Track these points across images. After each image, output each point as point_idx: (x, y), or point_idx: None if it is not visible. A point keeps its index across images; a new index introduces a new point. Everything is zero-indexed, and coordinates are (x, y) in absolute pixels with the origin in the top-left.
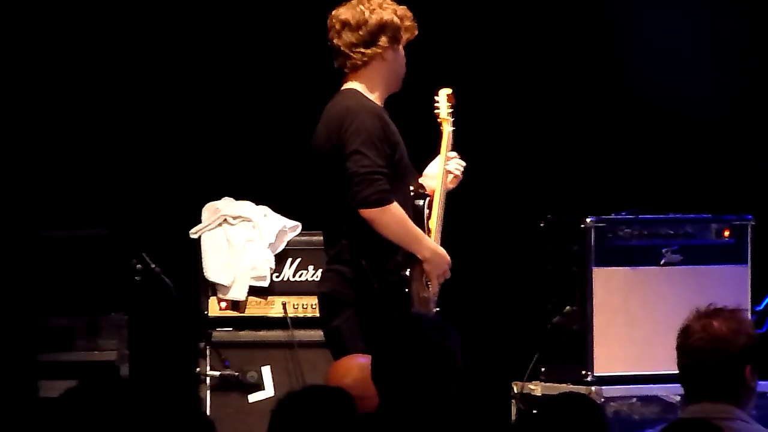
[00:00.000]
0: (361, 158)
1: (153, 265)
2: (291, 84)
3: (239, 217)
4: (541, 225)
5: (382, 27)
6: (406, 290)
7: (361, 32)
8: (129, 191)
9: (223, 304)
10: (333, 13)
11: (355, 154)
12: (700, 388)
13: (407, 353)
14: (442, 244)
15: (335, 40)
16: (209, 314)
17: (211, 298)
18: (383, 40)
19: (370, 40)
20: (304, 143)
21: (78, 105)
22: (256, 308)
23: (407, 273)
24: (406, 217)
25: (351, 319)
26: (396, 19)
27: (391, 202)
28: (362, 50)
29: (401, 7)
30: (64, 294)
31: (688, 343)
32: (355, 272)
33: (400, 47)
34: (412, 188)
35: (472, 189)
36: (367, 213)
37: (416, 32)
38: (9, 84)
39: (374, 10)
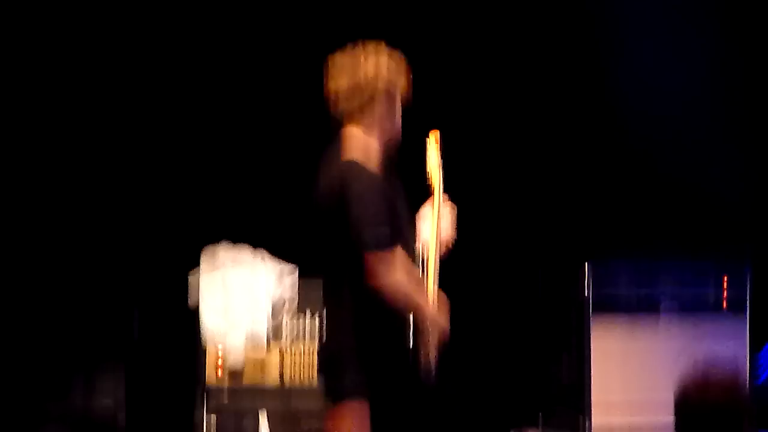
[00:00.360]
0: (367, 206)
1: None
2: (289, 129)
3: (238, 261)
4: (539, 271)
5: (377, 83)
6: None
7: (356, 79)
8: (127, 236)
9: (221, 372)
10: (330, 57)
11: (360, 201)
12: None
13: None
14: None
15: (330, 85)
16: (207, 383)
17: (209, 365)
18: (378, 94)
19: (367, 95)
20: (302, 186)
21: (74, 153)
22: (252, 376)
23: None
24: (410, 288)
25: (350, 367)
26: (394, 76)
27: (396, 246)
28: (357, 102)
29: (397, 58)
30: (64, 342)
31: (686, 410)
32: (356, 320)
33: (397, 100)
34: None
35: (468, 236)
36: (372, 256)
37: (408, 89)
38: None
39: (369, 57)
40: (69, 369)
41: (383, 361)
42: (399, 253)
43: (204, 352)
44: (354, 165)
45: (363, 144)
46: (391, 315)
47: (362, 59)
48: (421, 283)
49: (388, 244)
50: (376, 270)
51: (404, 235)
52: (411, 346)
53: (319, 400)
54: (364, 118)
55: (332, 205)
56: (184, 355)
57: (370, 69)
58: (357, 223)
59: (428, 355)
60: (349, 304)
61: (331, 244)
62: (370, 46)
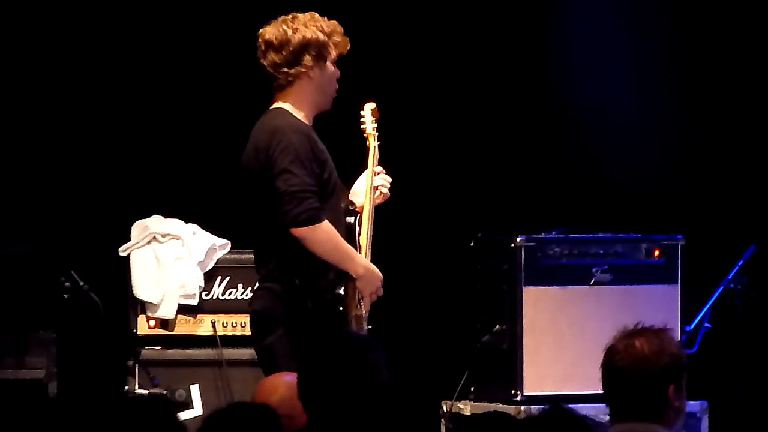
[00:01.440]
0: (291, 177)
1: (81, 283)
2: (221, 102)
3: (168, 234)
4: (471, 243)
5: (305, 45)
6: (341, 308)
7: (284, 52)
8: (57, 208)
9: (152, 323)
10: (259, 32)
11: (284, 173)
12: (625, 407)
13: (331, 369)
14: (372, 260)
15: (261, 60)
16: (138, 332)
17: (139, 316)
18: (307, 59)
19: (294, 60)
20: (234, 161)
21: (5, 120)
22: (185, 327)
23: (341, 291)
24: (338, 234)
25: (284, 338)
26: (321, 36)
27: (322, 220)
28: (286, 70)
29: (330, 22)
30: None
31: (612, 363)
32: (287, 290)
33: (328, 64)
34: (342, 205)
35: (401, 205)
36: (298, 231)
37: (347, 47)
38: None
39: (297, 28)
40: None
41: (313, 330)
42: (326, 226)
43: (136, 325)
44: (276, 131)
45: (288, 115)
46: (322, 287)
47: (289, 30)
48: (352, 251)
49: (316, 218)
50: (304, 243)
51: (337, 193)
52: (341, 310)
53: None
54: (292, 91)
55: (257, 175)
56: (115, 328)
57: (297, 39)
58: (282, 197)
59: (360, 315)
60: (280, 275)
61: (260, 215)
62: (300, 18)
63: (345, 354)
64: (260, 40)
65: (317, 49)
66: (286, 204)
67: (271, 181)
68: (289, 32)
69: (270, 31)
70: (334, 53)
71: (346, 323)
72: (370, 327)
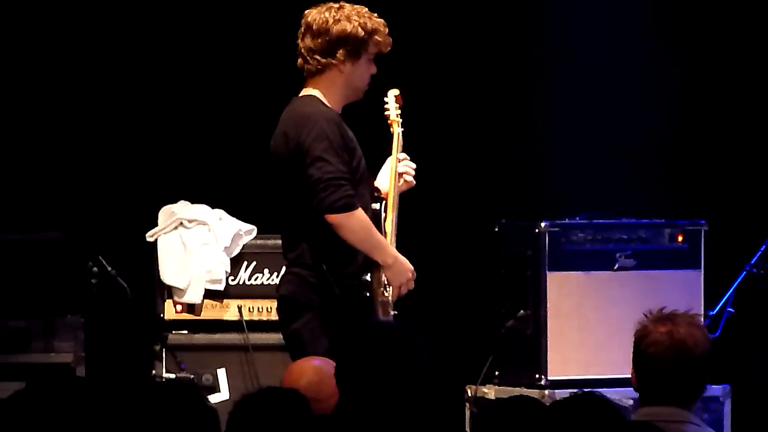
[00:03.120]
0: (325, 164)
1: (109, 268)
2: (250, 86)
3: (195, 220)
4: (496, 229)
5: (343, 39)
6: (367, 294)
7: (320, 40)
8: (85, 194)
9: (179, 307)
10: (305, 12)
11: (318, 161)
12: (658, 392)
13: (377, 363)
14: (396, 247)
15: (299, 41)
16: (165, 317)
17: (166, 301)
18: (341, 53)
19: (328, 50)
20: (261, 147)
21: (33, 107)
22: (211, 311)
23: (368, 278)
24: (371, 223)
25: (311, 323)
26: (360, 33)
27: (357, 208)
28: (318, 57)
29: (376, 20)
30: (21, 296)
31: (651, 349)
32: (315, 276)
33: (361, 61)
34: (368, 192)
35: (425, 192)
36: (334, 218)
37: (388, 47)
38: None
39: (339, 20)
40: (27, 322)
41: (343, 319)
42: (361, 214)
43: (163, 309)
44: (308, 119)
45: (319, 102)
46: (350, 274)
47: (330, 19)
48: (383, 241)
49: (352, 205)
50: (338, 230)
51: (364, 181)
52: (368, 296)
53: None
54: (323, 80)
55: (286, 162)
56: (142, 313)
57: (335, 30)
58: (317, 184)
59: (386, 301)
60: (308, 261)
61: (289, 201)
62: (347, 8)
63: (394, 351)
64: (303, 20)
65: (354, 44)
66: (321, 191)
67: (302, 168)
68: (331, 21)
69: (314, 15)
70: (372, 51)
71: (372, 309)
72: (395, 312)
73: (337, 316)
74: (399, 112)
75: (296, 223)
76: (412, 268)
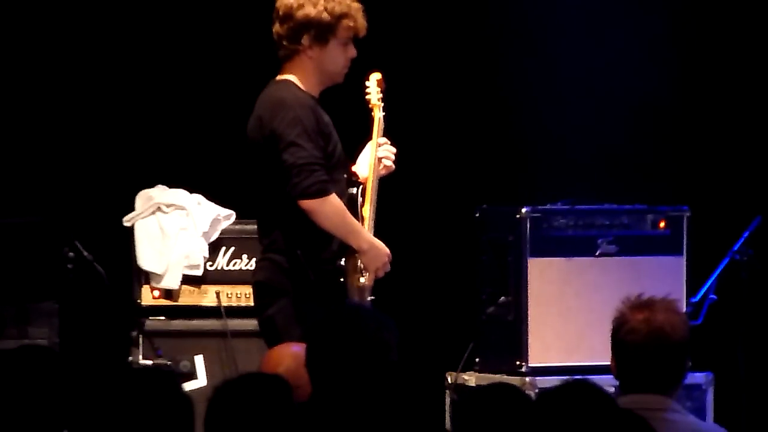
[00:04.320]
0: (298, 150)
1: (85, 253)
2: (227, 70)
3: (173, 205)
4: (476, 215)
5: (305, 24)
6: (341, 280)
7: (285, 26)
8: (62, 178)
9: (156, 293)
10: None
11: (291, 146)
12: (638, 380)
13: (343, 344)
14: (376, 232)
15: (273, 27)
16: (142, 303)
17: (144, 286)
18: (305, 38)
19: (293, 36)
20: (239, 131)
21: (9, 92)
22: (189, 297)
23: (342, 262)
24: (345, 208)
25: (286, 309)
26: (325, 17)
27: (331, 193)
28: (285, 44)
29: (347, 3)
30: None
31: (629, 337)
32: (289, 261)
33: (330, 46)
34: (345, 177)
35: (405, 177)
36: (307, 204)
37: (362, 30)
38: None
39: (302, 5)
40: (1, 308)
41: (317, 305)
42: (334, 199)
43: (140, 295)
44: (281, 104)
45: (294, 87)
46: (324, 259)
47: (294, 4)
48: (358, 226)
49: (325, 190)
50: (312, 216)
51: (340, 166)
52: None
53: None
54: (295, 65)
55: (260, 146)
56: (119, 298)
57: (299, 15)
58: (290, 170)
59: (362, 287)
60: (282, 246)
61: (263, 186)
62: None
63: (360, 330)
64: (276, 6)
65: (319, 29)
66: (294, 176)
67: (276, 153)
68: (295, 6)
69: (282, 0)
70: (342, 35)
71: (347, 295)
72: (372, 298)
73: (311, 301)
74: (381, 96)
75: (270, 208)
76: (388, 251)
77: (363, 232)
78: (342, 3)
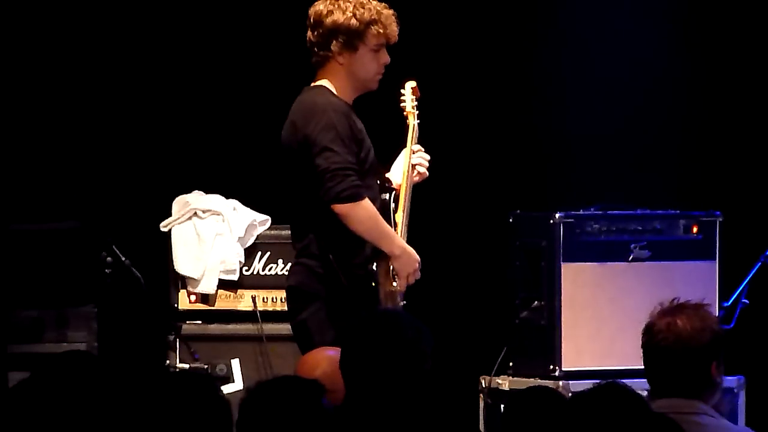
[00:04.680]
0: (332, 155)
1: (123, 258)
2: (263, 77)
3: (209, 210)
4: (510, 220)
5: (334, 30)
6: (373, 284)
7: (316, 32)
8: (99, 184)
9: (193, 297)
10: (311, 6)
11: (325, 150)
12: (667, 385)
13: (379, 349)
14: (409, 238)
15: (307, 34)
16: (179, 307)
17: (180, 291)
18: (335, 45)
19: (324, 42)
20: (275, 137)
21: (48, 98)
22: (225, 301)
23: (374, 267)
24: (378, 213)
25: (318, 313)
26: (354, 23)
27: (364, 198)
28: (317, 50)
29: (378, 9)
30: (34, 286)
31: (654, 342)
32: (322, 266)
33: (360, 52)
34: (378, 182)
35: (440, 183)
36: (340, 208)
37: (394, 36)
38: None
39: (332, 11)
40: (40, 312)
41: (350, 309)
42: (367, 204)
43: (177, 300)
44: (315, 109)
45: (328, 93)
46: (357, 264)
47: (324, 10)
48: (390, 231)
49: (358, 195)
50: (345, 220)
51: (373, 172)
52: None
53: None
54: (327, 71)
55: (294, 152)
56: (156, 303)
57: (328, 22)
58: (324, 174)
59: (394, 291)
60: (316, 251)
61: (297, 191)
62: None
63: (397, 336)
64: (309, 13)
65: (348, 35)
66: (328, 181)
67: (310, 158)
68: (324, 12)
69: (314, 7)
70: (372, 42)
71: (378, 299)
72: (404, 303)
73: (344, 306)
74: (415, 104)
75: (304, 213)
76: (418, 258)
77: (395, 237)
78: (371, 9)
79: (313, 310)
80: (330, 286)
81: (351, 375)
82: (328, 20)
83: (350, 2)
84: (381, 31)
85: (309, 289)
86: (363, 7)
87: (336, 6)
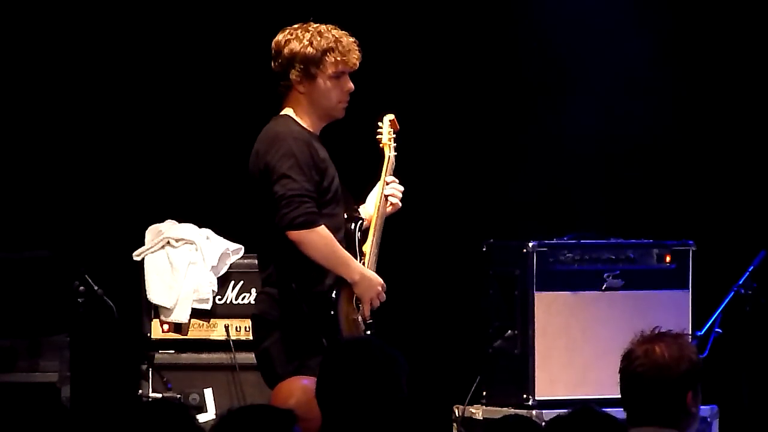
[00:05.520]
0: (290, 182)
1: (95, 287)
2: (235, 107)
3: (182, 239)
4: (483, 249)
5: (291, 59)
6: (332, 312)
7: (276, 63)
8: (72, 213)
9: (166, 327)
10: (275, 39)
11: (283, 178)
12: (643, 412)
13: (353, 376)
14: (379, 268)
15: (271, 64)
16: (152, 336)
17: (153, 320)
18: (294, 74)
19: (282, 72)
20: (246, 167)
21: (18, 125)
22: (198, 331)
23: (333, 295)
24: (334, 240)
25: (279, 341)
26: (310, 51)
27: (319, 225)
28: (281, 81)
29: (337, 37)
30: (6, 315)
31: (631, 368)
32: (283, 294)
33: (318, 81)
34: (345, 214)
35: (414, 211)
36: (294, 235)
37: (353, 63)
38: None
39: (289, 40)
40: (12, 341)
41: (310, 337)
42: (323, 231)
43: (150, 329)
44: (276, 138)
45: (291, 122)
46: (319, 292)
47: (282, 40)
48: (348, 257)
49: (312, 222)
50: (300, 247)
51: (337, 200)
52: (333, 314)
53: None
54: (291, 100)
55: (255, 180)
56: (128, 332)
57: (286, 51)
58: (280, 201)
59: (356, 319)
60: (277, 279)
61: (260, 220)
62: (306, 28)
63: (369, 363)
64: (272, 51)
65: (304, 64)
66: (283, 207)
67: (270, 186)
68: (282, 42)
69: (276, 37)
70: (329, 70)
71: (338, 327)
72: (369, 333)
73: (304, 334)
74: (392, 136)
75: (266, 241)
76: (380, 281)
77: (353, 263)
78: (329, 37)
79: (274, 339)
80: (291, 314)
81: (326, 403)
82: (286, 50)
83: (309, 31)
84: (338, 58)
85: (271, 317)
86: (321, 36)
87: (294, 35)
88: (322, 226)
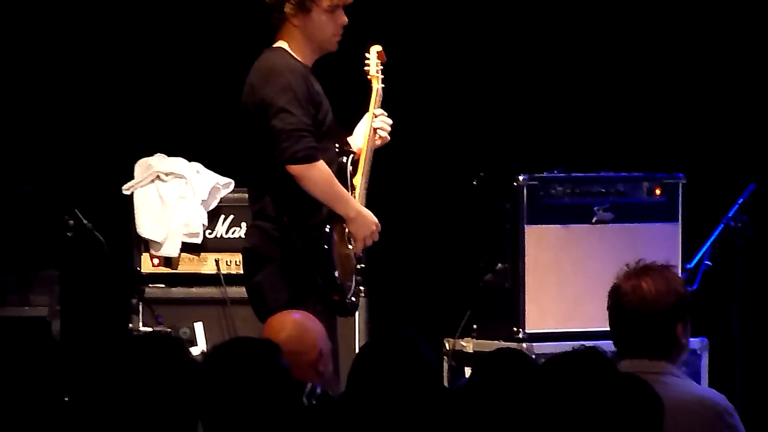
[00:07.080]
0: (288, 116)
1: (85, 222)
2: (226, 39)
3: (172, 173)
4: (474, 183)
5: None
6: (326, 247)
7: None
8: (61, 147)
9: (156, 261)
10: None
11: (281, 112)
12: (633, 346)
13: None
14: (368, 202)
15: None
16: (141, 270)
17: (143, 254)
18: (288, 7)
19: (277, 5)
20: (238, 99)
21: (7, 62)
22: (188, 265)
23: (327, 229)
24: (333, 176)
25: (272, 275)
26: None
27: (318, 159)
28: (274, 13)
29: None
30: None
31: (619, 304)
32: (277, 228)
33: (314, 14)
34: (336, 146)
35: (404, 145)
36: (295, 169)
37: None
38: None
39: None
40: (2, 276)
41: (303, 272)
42: (322, 166)
43: (140, 263)
44: (272, 71)
45: (286, 55)
46: (312, 226)
47: None
48: (346, 194)
49: (313, 156)
50: (299, 181)
51: (330, 134)
52: (326, 249)
53: None
54: (285, 33)
55: (250, 113)
56: (118, 266)
57: None
58: (280, 135)
59: (349, 254)
60: (271, 213)
61: (254, 153)
62: None
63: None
64: None
65: None
66: (283, 141)
67: (266, 119)
68: None
69: None
70: (325, 3)
71: (332, 262)
72: (362, 266)
73: (297, 268)
74: (380, 68)
75: (260, 175)
76: (375, 220)
77: (350, 200)
78: None
79: (267, 273)
80: (284, 249)
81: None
82: None
83: None
84: None
85: (263, 251)
86: None
87: None
88: (322, 161)
